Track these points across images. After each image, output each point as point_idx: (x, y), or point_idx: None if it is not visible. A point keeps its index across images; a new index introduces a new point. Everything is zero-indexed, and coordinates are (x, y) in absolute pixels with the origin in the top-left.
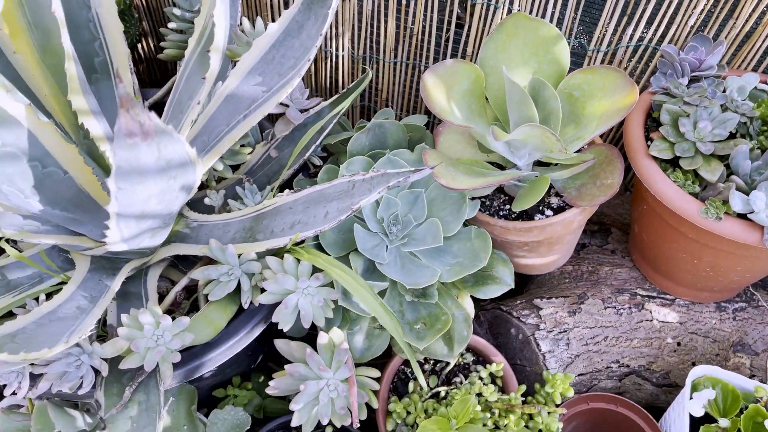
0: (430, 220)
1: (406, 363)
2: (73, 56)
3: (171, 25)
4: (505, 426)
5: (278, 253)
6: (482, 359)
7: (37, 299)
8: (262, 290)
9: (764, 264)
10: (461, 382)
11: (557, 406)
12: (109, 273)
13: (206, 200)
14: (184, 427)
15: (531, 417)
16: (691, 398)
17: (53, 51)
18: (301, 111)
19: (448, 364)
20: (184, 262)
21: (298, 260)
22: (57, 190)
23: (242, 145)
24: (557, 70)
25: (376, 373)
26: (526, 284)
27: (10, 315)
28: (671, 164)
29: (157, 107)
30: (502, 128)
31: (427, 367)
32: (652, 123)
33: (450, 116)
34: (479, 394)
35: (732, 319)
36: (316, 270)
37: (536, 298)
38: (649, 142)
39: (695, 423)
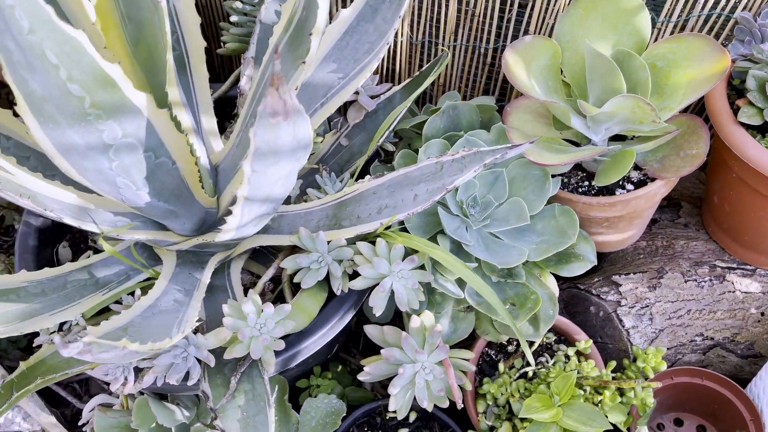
0: (512, 200)
1: (490, 345)
2: (170, 48)
3: (232, 18)
4: (599, 402)
5: (366, 238)
6: (564, 338)
7: (132, 294)
8: (350, 277)
9: None
10: (546, 362)
11: (646, 380)
12: (196, 266)
13: None
14: (276, 417)
15: (622, 393)
16: None
17: (145, 43)
18: (372, 97)
19: (531, 344)
20: (261, 255)
21: (390, 244)
22: (164, 181)
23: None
24: (637, 41)
25: (470, 354)
26: (599, 263)
27: (103, 312)
28: (759, 131)
29: (221, 102)
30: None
31: (510, 348)
32: (731, 92)
33: (531, 92)
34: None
35: None
36: (407, 254)
37: (614, 275)
38: (733, 110)
39: None
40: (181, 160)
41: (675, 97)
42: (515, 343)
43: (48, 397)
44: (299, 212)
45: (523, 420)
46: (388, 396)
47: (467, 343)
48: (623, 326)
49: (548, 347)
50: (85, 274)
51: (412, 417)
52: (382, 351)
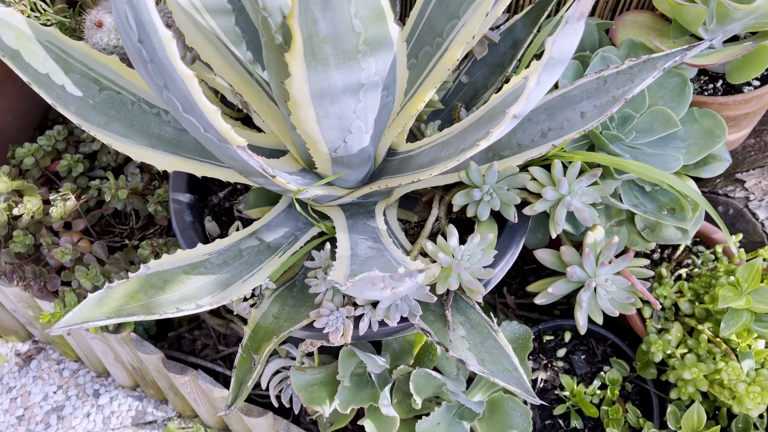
0: (653, 109)
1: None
2: None
3: None
4: None
5: (533, 164)
6: (701, 240)
7: (317, 248)
8: (517, 207)
9: None
10: (694, 263)
11: None
12: (366, 216)
13: (423, 127)
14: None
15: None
16: None
17: None
18: (491, 29)
19: (676, 249)
20: (406, 203)
21: (564, 165)
22: (382, 122)
23: None
24: None
25: (645, 261)
26: None
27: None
28: None
29: None
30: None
31: (655, 256)
32: None
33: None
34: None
35: None
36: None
37: (735, 173)
38: None
39: None
40: (398, 98)
41: None
42: (660, 251)
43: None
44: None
45: (691, 318)
46: (539, 322)
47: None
48: (757, 219)
49: (688, 250)
50: (255, 241)
51: (568, 337)
52: (567, 269)
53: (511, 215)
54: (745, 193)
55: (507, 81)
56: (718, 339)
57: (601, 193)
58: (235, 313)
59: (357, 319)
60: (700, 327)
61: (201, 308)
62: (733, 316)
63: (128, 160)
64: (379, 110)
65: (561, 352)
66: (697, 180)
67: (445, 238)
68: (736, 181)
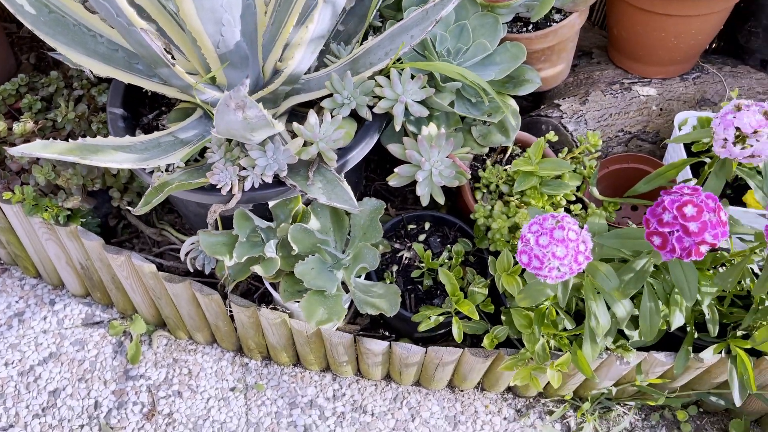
0: (476, 43)
1: (476, 159)
2: None
3: None
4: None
5: (381, 74)
6: (523, 148)
7: None
8: (372, 110)
9: (711, 23)
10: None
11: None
12: None
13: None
14: (331, 229)
15: (576, 171)
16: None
17: None
18: None
19: (505, 151)
20: (294, 118)
21: (400, 72)
22: (248, 22)
23: None
24: None
25: (468, 149)
26: (543, 99)
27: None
28: None
29: None
30: None
31: (489, 161)
32: None
33: None
34: None
35: (693, 84)
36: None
37: (554, 100)
38: None
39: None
40: (259, 6)
41: None
42: (493, 156)
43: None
44: (322, 75)
45: (510, 196)
46: (404, 212)
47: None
48: (567, 130)
49: (516, 155)
50: (172, 138)
51: (427, 226)
52: (407, 152)
53: (364, 113)
54: (560, 113)
55: (371, 26)
56: (523, 203)
57: (426, 93)
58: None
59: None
60: (510, 199)
61: (122, 165)
62: (525, 178)
63: (78, 101)
64: (243, 9)
65: (421, 237)
66: (518, 99)
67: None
68: (555, 106)
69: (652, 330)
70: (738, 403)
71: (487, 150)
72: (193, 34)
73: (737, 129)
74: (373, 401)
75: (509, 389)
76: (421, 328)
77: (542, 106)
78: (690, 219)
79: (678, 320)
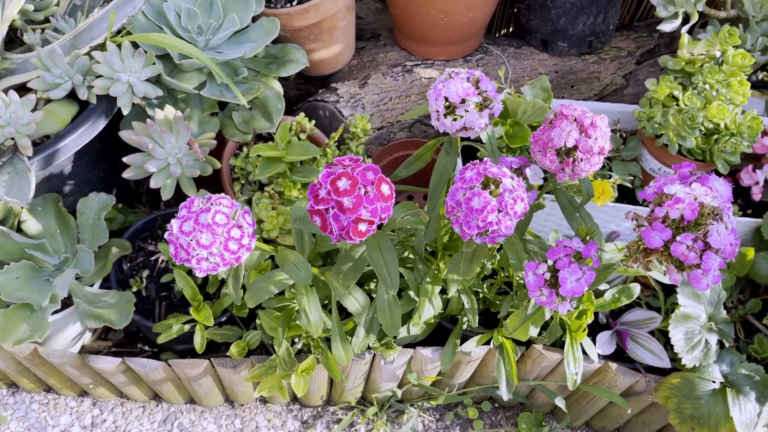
0: (228, 18)
1: (240, 148)
2: None
3: None
4: (324, 155)
5: (103, 48)
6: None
7: None
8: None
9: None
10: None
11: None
12: None
13: (25, 38)
14: (57, 231)
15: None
16: None
17: None
18: None
19: (272, 137)
20: None
21: (119, 46)
22: None
23: None
24: None
25: (212, 135)
26: (326, 83)
27: None
28: None
29: None
30: None
31: (246, 149)
32: None
33: None
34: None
35: (476, 66)
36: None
37: (333, 83)
38: None
39: None
40: None
41: None
42: (259, 143)
43: None
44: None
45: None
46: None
47: (220, 150)
48: (343, 116)
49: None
50: None
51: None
52: (134, 137)
53: (82, 93)
54: (337, 98)
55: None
56: (276, 192)
57: (154, 70)
58: None
59: None
60: (268, 189)
61: None
62: (269, 164)
63: None
64: None
65: None
66: (283, 81)
67: None
68: (333, 90)
69: (394, 324)
70: (506, 397)
71: (251, 137)
72: None
73: (446, 99)
74: (139, 425)
75: (295, 399)
76: (161, 339)
77: (320, 91)
78: (343, 193)
79: (428, 312)
